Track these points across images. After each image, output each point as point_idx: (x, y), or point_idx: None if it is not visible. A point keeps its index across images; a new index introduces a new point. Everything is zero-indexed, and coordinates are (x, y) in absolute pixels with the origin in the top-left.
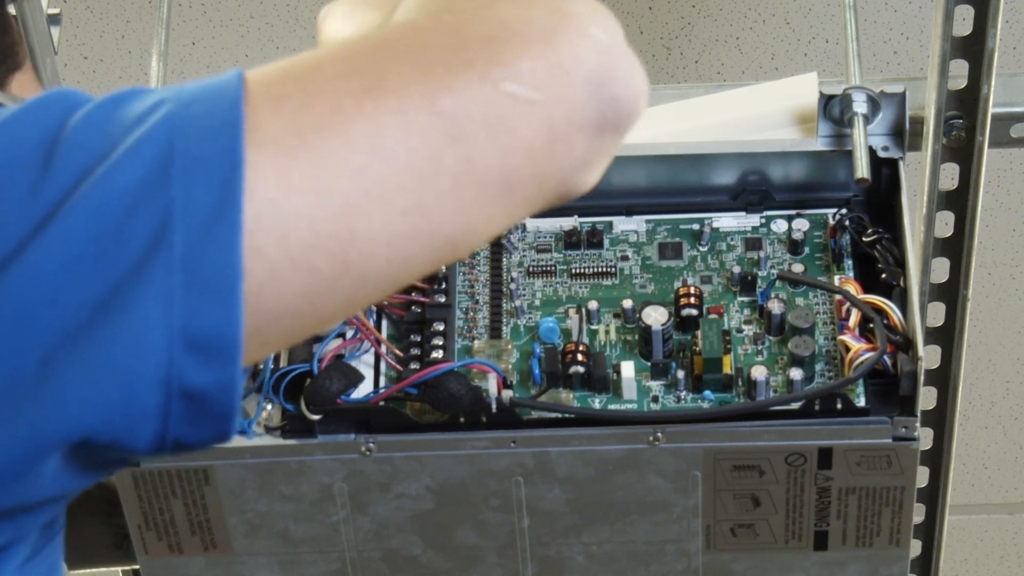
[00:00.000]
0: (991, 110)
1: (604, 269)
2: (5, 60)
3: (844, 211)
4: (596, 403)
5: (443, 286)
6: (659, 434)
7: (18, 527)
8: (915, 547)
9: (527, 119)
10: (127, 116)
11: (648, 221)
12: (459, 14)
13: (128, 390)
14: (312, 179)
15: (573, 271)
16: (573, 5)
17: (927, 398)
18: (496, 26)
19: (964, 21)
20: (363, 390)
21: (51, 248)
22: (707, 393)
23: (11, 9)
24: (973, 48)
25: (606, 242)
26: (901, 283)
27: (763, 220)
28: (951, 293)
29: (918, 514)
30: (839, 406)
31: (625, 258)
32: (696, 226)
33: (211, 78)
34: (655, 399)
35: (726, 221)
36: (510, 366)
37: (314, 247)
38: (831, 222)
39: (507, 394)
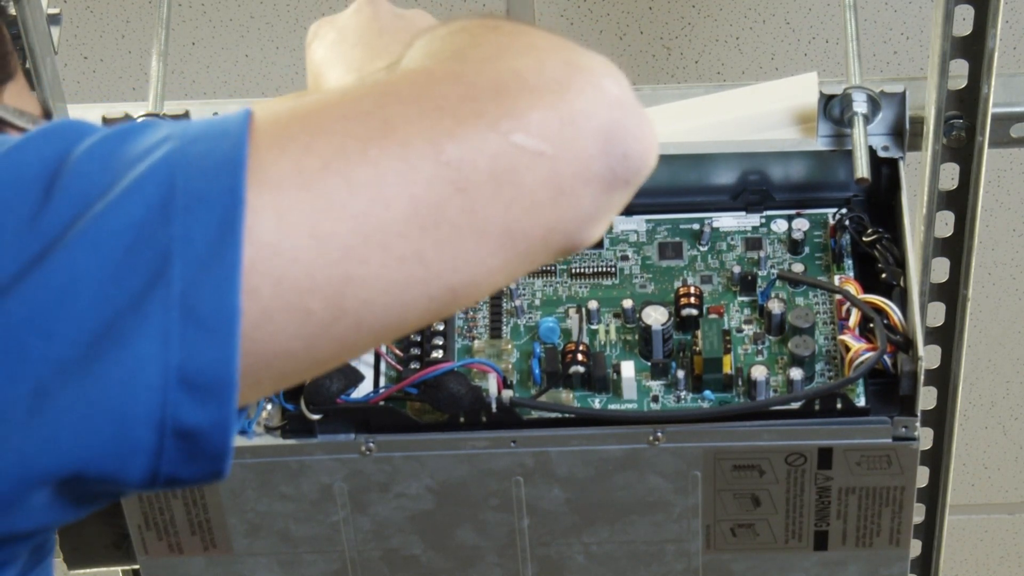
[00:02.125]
0: (991, 110)
1: (604, 269)
2: None
3: (844, 211)
4: (596, 403)
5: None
6: (659, 434)
7: (6, 553)
8: (915, 547)
9: (534, 172)
10: (131, 151)
11: (648, 221)
12: (470, 63)
13: (121, 427)
14: (311, 222)
15: (573, 271)
16: (584, 58)
17: (927, 398)
18: (507, 77)
19: (964, 21)
20: (363, 390)
21: (49, 280)
22: (707, 393)
23: (5, 15)
24: (973, 48)
25: (606, 242)
26: (901, 283)
27: (763, 220)
28: (951, 293)
29: (918, 514)
30: (839, 406)
31: (625, 258)
32: (696, 226)
33: (219, 116)
34: (655, 399)
35: (726, 221)
36: (510, 366)
37: (309, 290)
38: (831, 222)
39: (507, 394)
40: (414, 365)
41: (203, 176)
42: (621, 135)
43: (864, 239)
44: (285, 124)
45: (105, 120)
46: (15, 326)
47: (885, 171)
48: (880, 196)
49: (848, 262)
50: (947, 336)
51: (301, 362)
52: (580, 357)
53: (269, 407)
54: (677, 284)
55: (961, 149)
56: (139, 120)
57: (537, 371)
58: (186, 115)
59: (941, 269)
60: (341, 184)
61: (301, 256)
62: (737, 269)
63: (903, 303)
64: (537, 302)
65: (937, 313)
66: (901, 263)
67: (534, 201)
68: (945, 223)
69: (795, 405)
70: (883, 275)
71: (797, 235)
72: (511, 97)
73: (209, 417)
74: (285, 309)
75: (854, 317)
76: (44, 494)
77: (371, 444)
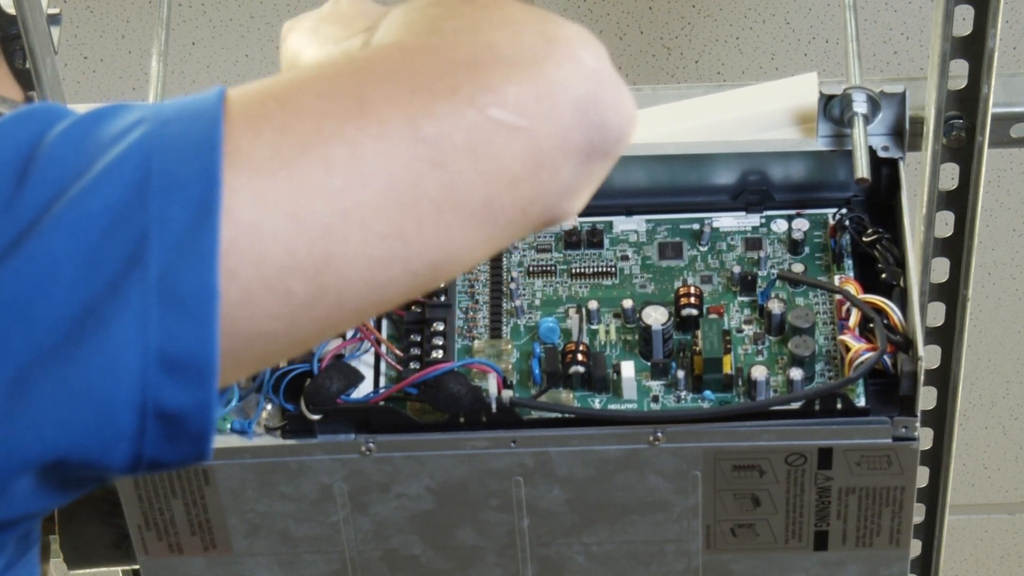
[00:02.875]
0: (991, 110)
1: (604, 269)
2: None
3: (844, 211)
4: (596, 403)
5: (443, 286)
6: (659, 434)
7: None
8: (915, 547)
9: (512, 145)
10: (105, 134)
11: (648, 221)
12: (446, 37)
13: (103, 412)
14: (289, 202)
15: (573, 271)
16: (561, 30)
17: (927, 398)
18: (483, 50)
19: (964, 21)
20: (363, 390)
21: (25, 266)
22: (707, 393)
23: None
24: (973, 48)
25: (606, 242)
26: (901, 283)
27: (763, 220)
28: (951, 293)
29: (918, 514)
30: (839, 406)
31: (625, 258)
32: (696, 226)
33: (192, 96)
34: (655, 399)
35: (726, 221)
36: (510, 366)
37: (290, 270)
38: (831, 222)
39: (507, 394)
40: (414, 365)
41: (179, 158)
42: (598, 106)
43: (864, 239)
44: (260, 103)
45: None
46: None
47: (885, 171)
48: (880, 196)
49: (848, 262)
50: (947, 336)
51: (283, 341)
52: (580, 357)
53: (269, 407)
54: (677, 284)
55: (961, 149)
56: (113, 105)
57: (537, 371)
58: None
59: (941, 269)
60: (318, 163)
61: (281, 236)
62: (737, 269)
63: (903, 303)
64: (537, 302)
65: (937, 313)
66: (901, 263)
67: (513, 175)
68: (945, 223)
69: (795, 405)
70: (883, 275)
71: (797, 235)
72: (487, 71)
73: (191, 399)
74: (266, 289)
75: (854, 317)
76: (27, 481)
77: (371, 444)
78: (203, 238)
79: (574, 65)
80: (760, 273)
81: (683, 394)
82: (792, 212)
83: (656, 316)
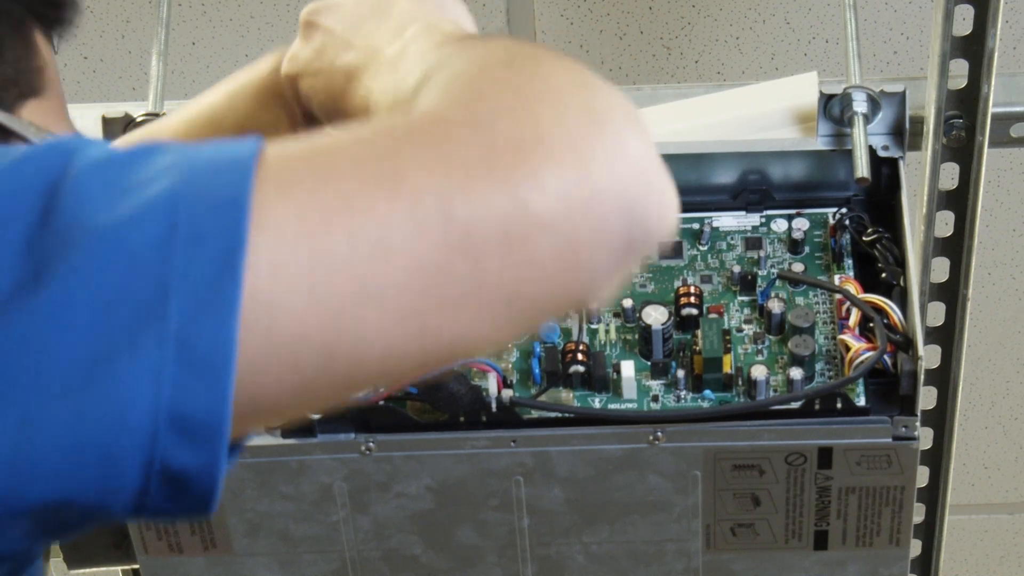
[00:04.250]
0: (991, 110)
1: None
2: (17, 83)
3: (844, 210)
4: (596, 403)
5: None
6: (659, 434)
7: None
8: (915, 547)
9: (546, 239)
10: (135, 177)
11: None
12: (490, 108)
13: (107, 464)
14: (307, 274)
15: None
16: (610, 107)
17: (927, 398)
18: (526, 129)
19: (964, 21)
20: None
21: (42, 309)
22: (707, 393)
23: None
24: (973, 48)
25: None
26: (901, 283)
27: (763, 219)
28: (951, 293)
29: (918, 514)
30: (839, 406)
31: None
32: (696, 225)
33: (228, 144)
34: (655, 399)
35: (726, 220)
36: (510, 365)
37: (301, 341)
38: (831, 221)
39: (507, 393)
40: None
41: (207, 212)
42: (642, 201)
43: (864, 239)
44: (293, 165)
45: (105, 120)
46: (3, 354)
47: (885, 171)
48: (880, 196)
49: (848, 262)
50: (947, 336)
51: (289, 408)
52: (580, 357)
53: None
54: (677, 284)
55: (961, 149)
56: (146, 145)
57: (537, 371)
58: None
59: (941, 269)
60: (343, 236)
61: (295, 307)
62: (737, 269)
63: (903, 303)
64: None
65: (937, 313)
66: (901, 263)
67: (544, 270)
68: (945, 223)
69: (795, 405)
70: (883, 275)
71: (797, 235)
72: (527, 153)
73: (198, 460)
74: (275, 360)
75: (854, 317)
76: (24, 523)
77: (371, 444)
78: (224, 296)
79: (619, 153)
80: (760, 273)
81: (683, 394)
82: (792, 211)
83: (656, 316)
